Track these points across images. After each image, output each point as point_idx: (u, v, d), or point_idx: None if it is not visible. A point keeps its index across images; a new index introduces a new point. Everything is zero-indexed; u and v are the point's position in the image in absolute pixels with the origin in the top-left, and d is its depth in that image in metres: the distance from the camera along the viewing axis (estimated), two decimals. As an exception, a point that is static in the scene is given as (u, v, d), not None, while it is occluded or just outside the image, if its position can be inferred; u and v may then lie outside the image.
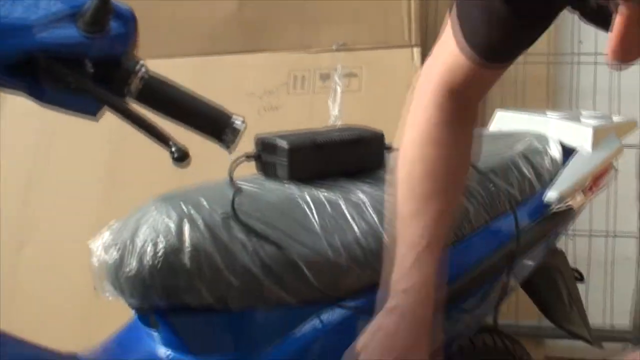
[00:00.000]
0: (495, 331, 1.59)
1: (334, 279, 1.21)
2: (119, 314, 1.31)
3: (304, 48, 2.52)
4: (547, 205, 1.44)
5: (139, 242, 1.17)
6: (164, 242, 1.16)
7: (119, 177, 2.30)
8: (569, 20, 2.64)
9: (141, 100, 0.95)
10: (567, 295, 1.60)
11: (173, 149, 0.89)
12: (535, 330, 2.61)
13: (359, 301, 1.22)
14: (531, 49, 2.85)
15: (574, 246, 2.54)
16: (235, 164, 1.29)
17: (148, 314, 1.21)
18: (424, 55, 1.90)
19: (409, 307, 1.09)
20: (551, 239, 1.51)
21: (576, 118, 1.58)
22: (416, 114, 1.16)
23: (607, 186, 1.57)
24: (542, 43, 2.59)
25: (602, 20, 0.84)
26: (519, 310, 2.55)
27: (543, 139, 1.51)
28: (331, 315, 1.21)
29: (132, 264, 1.16)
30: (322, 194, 1.27)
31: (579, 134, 1.53)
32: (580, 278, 1.66)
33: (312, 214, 1.24)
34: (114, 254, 1.17)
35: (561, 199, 1.43)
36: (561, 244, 1.78)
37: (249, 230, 1.18)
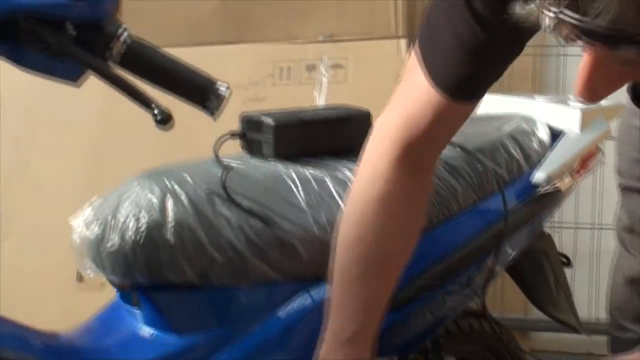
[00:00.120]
0: (482, 315, 1.58)
1: (320, 255, 1.18)
2: (103, 300, 1.29)
3: (290, 39, 2.51)
4: (535, 187, 1.43)
5: (121, 217, 1.14)
6: (147, 218, 1.14)
7: (103, 162, 2.28)
8: (555, 12, 2.65)
9: (124, 65, 0.93)
10: (554, 280, 1.59)
11: (156, 112, 0.87)
12: (520, 323, 2.60)
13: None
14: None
15: (560, 238, 2.52)
16: (220, 141, 1.27)
17: (130, 292, 1.19)
18: (411, 47, 1.89)
19: None
20: (538, 222, 1.49)
21: (564, 102, 1.57)
22: (363, 184, 1.09)
23: (594, 169, 1.56)
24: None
25: None
26: (504, 303, 2.54)
27: (531, 121, 1.50)
28: (317, 292, 1.19)
29: (114, 240, 1.13)
30: (308, 171, 1.25)
31: (566, 116, 1.52)
32: (568, 263, 1.65)
33: (298, 190, 1.22)
34: (95, 230, 1.15)
35: (549, 179, 1.42)
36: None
37: (235, 206, 1.16)
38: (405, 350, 1.34)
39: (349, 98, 2.40)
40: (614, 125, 1.58)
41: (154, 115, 0.87)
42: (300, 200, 1.21)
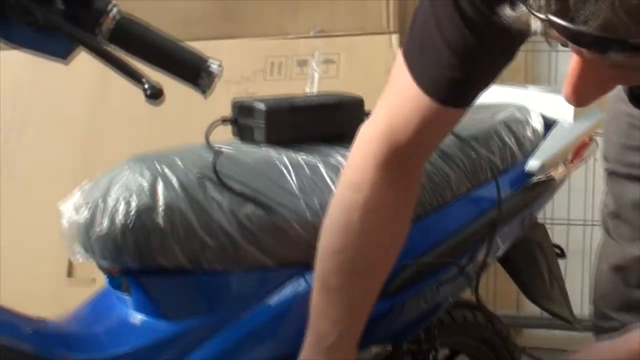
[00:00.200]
0: (476, 307, 1.56)
1: (313, 241, 1.17)
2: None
3: (281, 34, 2.50)
4: (529, 175, 1.42)
5: (110, 200, 1.13)
6: (137, 201, 1.12)
7: (94, 153, 2.27)
8: (547, 8, 2.64)
9: (113, 41, 0.92)
10: (548, 271, 1.58)
11: (146, 86, 0.85)
12: (512, 320, 2.59)
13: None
14: (509, 36, 2.79)
15: (552, 234, 2.51)
16: (211, 127, 1.26)
17: (120, 278, 1.17)
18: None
19: None
20: (532, 211, 1.48)
21: (557, 91, 1.56)
22: (348, 190, 1.07)
23: (588, 158, 1.55)
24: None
25: None
26: (496, 300, 2.53)
27: (524, 110, 1.49)
28: (311, 278, 1.17)
29: (104, 223, 1.12)
30: (301, 157, 1.24)
31: (560, 105, 1.51)
32: (561, 254, 1.63)
33: (290, 175, 1.20)
34: (84, 213, 1.13)
35: (543, 168, 1.41)
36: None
37: (227, 189, 1.15)
38: (398, 338, 1.32)
39: (341, 93, 2.41)
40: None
41: (145, 90, 0.85)
42: (293, 185, 1.19)
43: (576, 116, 1.49)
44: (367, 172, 1.05)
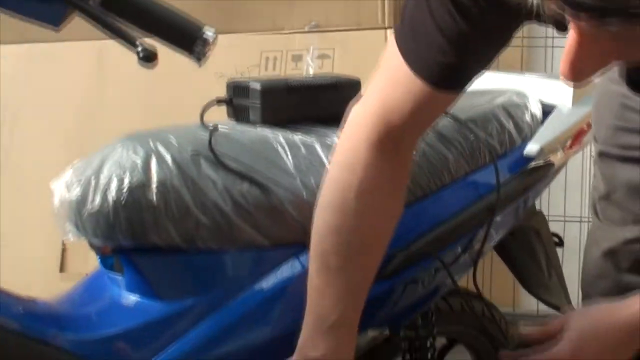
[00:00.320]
0: (475, 296, 1.54)
1: (310, 220, 1.15)
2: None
3: (276, 29, 2.48)
4: (528, 159, 1.40)
5: (103, 177, 1.11)
6: (130, 178, 1.10)
7: (88, 147, 2.25)
8: (543, 4, 2.63)
9: (106, 7, 0.90)
10: (545, 259, 1.56)
11: (139, 49, 0.83)
12: (509, 318, 2.57)
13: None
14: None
15: (548, 232, 2.50)
16: (206, 107, 1.24)
17: (112, 257, 1.15)
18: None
19: None
20: (526, 198, 1.46)
21: (555, 77, 1.55)
22: (342, 170, 1.06)
23: (586, 145, 1.54)
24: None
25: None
26: (492, 297, 2.50)
27: (523, 96, 1.47)
28: (307, 258, 1.15)
29: (96, 200, 1.10)
30: (297, 137, 1.22)
31: (558, 90, 1.49)
32: (560, 243, 1.62)
33: (287, 154, 1.18)
34: (76, 191, 1.11)
35: (542, 152, 1.39)
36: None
37: (222, 167, 1.13)
38: (395, 323, 1.30)
39: (336, 88, 2.40)
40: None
41: (138, 53, 0.84)
42: (289, 164, 1.17)
43: (575, 101, 1.48)
44: (360, 153, 1.04)
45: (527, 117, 1.42)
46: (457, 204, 1.31)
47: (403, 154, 1.08)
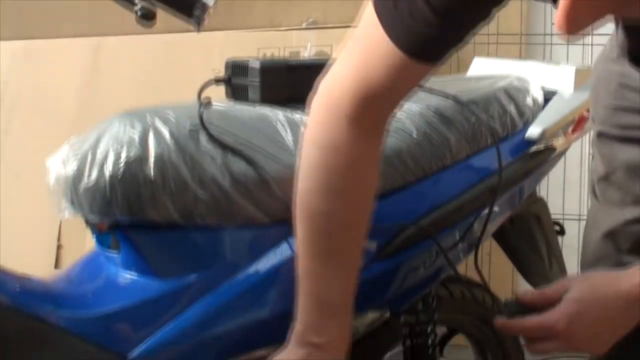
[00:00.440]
0: (474, 284, 1.53)
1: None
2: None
3: (274, 26, 2.48)
4: (529, 143, 1.39)
5: (100, 152, 1.09)
6: (127, 152, 1.08)
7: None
8: (541, 2, 2.63)
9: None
10: (546, 247, 1.54)
11: (138, 8, 0.82)
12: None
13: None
14: (504, 30, 2.79)
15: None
16: (204, 86, 1.22)
17: (109, 234, 1.13)
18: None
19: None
20: (531, 182, 1.44)
21: (556, 63, 1.54)
22: (324, 152, 1.02)
23: (588, 131, 1.52)
24: (514, 24, 2.59)
25: None
26: (490, 288, 2.49)
27: (524, 80, 1.45)
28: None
29: (92, 175, 1.08)
30: (296, 115, 1.20)
31: (560, 75, 1.48)
32: (561, 231, 1.60)
33: (286, 132, 1.17)
34: (72, 166, 1.09)
35: (544, 135, 1.38)
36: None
37: (217, 142, 1.11)
38: (396, 304, 1.28)
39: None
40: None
41: (136, 12, 0.82)
42: (288, 142, 1.16)
43: (576, 86, 1.47)
44: (342, 133, 1.01)
45: (529, 101, 1.41)
46: (458, 185, 1.29)
47: (380, 128, 1.05)
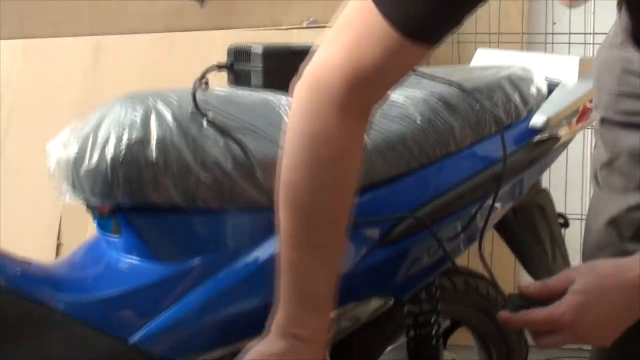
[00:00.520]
0: (478, 276, 1.51)
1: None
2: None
3: (274, 25, 2.47)
4: (534, 132, 1.38)
5: (101, 135, 1.08)
6: (129, 134, 1.07)
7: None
8: (542, 1, 2.62)
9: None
10: (550, 238, 1.52)
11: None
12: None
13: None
14: (505, 30, 2.77)
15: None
16: (206, 72, 1.21)
17: (110, 218, 1.12)
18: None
19: (306, 353, 0.99)
20: (535, 172, 1.43)
21: (560, 54, 1.53)
22: (314, 143, 0.97)
23: (592, 121, 1.51)
24: (516, 24, 2.58)
25: None
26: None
27: (528, 70, 1.44)
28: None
29: (94, 158, 1.07)
30: (299, 100, 1.19)
31: (564, 65, 1.47)
32: (565, 224, 1.59)
33: (288, 116, 1.15)
34: (73, 148, 1.08)
35: (548, 123, 1.37)
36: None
37: (215, 125, 1.09)
38: (400, 293, 1.27)
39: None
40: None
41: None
42: (291, 125, 1.14)
43: (580, 76, 1.46)
44: (328, 118, 0.97)
45: (533, 90, 1.40)
46: (462, 173, 1.28)
47: (367, 115, 1.01)
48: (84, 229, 1.89)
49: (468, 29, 2.54)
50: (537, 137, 1.38)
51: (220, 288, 1.10)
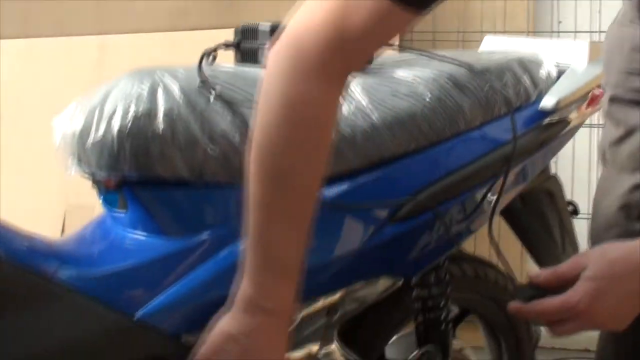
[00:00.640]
0: (487, 264, 1.50)
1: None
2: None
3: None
4: (543, 114, 1.36)
5: (107, 108, 1.07)
6: (135, 107, 1.06)
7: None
8: (548, 0, 2.62)
9: None
10: (559, 226, 1.50)
11: None
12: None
13: (346, 184, 1.13)
14: (511, 27, 2.77)
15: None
16: (212, 50, 1.20)
17: (116, 193, 1.10)
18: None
19: (276, 329, 0.98)
20: (543, 156, 1.42)
21: (569, 38, 1.52)
22: (292, 104, 0.94)
23: (601, 107, 1.49)
24: (522, 23, 2.57)
25: None
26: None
27: (537, 55, 1.43)
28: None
29: (100, 130, 1.05)
30: (307, 77, 1.17)
31: (573, 50, 1.46)
32: (575, 212, 1.57)
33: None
34: (79, 121, 1.07)
35: (558, 104, 1.35)
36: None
37: (222, 98, 1.08)
38: (408, 273, 1.25)
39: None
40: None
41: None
42: (299, 101, 1.13)
43: (590, 60, 1.44)
44: (308, 82, 0.94)
45: (542, 73, 1.39)
46: (471, 153, 1.27)
47: (345, 81, 0.98)
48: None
49: (474, 28, 2.53)
50: (547, 120, 1.37)
51: (227, 263, 1.08)
